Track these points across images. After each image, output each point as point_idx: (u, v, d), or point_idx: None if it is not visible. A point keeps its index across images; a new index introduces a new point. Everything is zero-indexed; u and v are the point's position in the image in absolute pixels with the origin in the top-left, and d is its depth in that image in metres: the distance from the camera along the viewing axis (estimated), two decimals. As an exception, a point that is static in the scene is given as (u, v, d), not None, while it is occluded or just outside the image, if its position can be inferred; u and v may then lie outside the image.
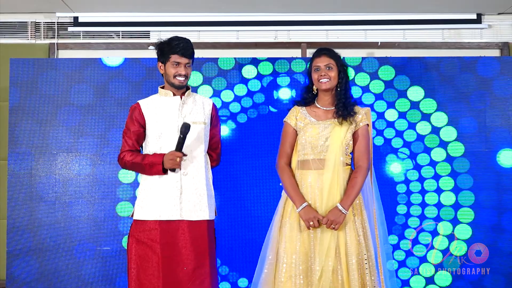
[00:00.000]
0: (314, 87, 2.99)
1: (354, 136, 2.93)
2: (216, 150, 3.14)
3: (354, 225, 2.84)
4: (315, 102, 3.01)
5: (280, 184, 2.97)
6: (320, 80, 2.91)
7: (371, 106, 4.08)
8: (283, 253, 2.83)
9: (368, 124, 2.95)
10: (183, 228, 2.88)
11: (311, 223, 2.77)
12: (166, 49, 2.93)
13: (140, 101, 3.03)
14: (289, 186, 2.88)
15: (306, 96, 3.02)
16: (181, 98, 2.99)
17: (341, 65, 2.95)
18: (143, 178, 2.98)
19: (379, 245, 2.90)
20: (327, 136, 2.88)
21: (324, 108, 2.97)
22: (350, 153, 2.94)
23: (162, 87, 3.04)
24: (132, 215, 2.96)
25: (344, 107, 2.90)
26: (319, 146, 2.88)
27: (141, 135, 2.98)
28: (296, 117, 2.98)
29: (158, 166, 2.85)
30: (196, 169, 2.93)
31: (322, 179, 2.85)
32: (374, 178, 3.02)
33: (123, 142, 2.98)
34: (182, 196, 2.89)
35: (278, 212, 2.96)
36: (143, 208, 2.90)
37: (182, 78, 2.93)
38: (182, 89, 3.00)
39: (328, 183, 2.83)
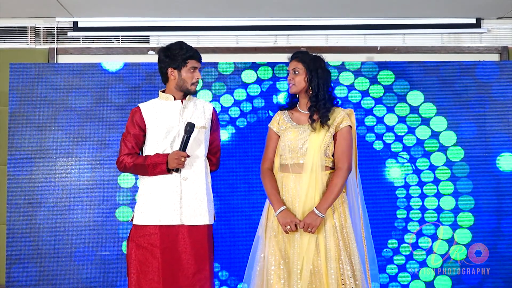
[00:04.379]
0: None
1: (334, 138, 2.90)
2: (216, 154, 3.12)
3: (335, 230, 2.81)
4: (297, 105, 3.03)
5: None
6: (288, 84, 2.97)
7: (371, 110, 4.08)
8: (269, 256, 2.85)
9: (350, 126, 2.92)
10: (183, 232, 2.87)
11: (288, 227, 2.78)
12: (179, 54, 2.88)
13: (140, 105, 3.01)
14: (269, 190, 2.91)
15: (290, 100, 3.05)
16: (181, 102, 2.98)
17: (314, 69, 2.90)
18: (142, 183, 2.96)
19: (366, 248, 2.90)
20: (305, 140, 2.88)
21: (303, 112, 2.98)
22: (332, 155, 2.91)
23: (163, 91, 3.02)
24: (132, 220, 2.95)
25: (317, 110, 2.88)
26: (298, 150, 2.88)
27: (141, 139, 2.96)
28: (279, 122, 3.01)
29: (162, 166, 2.82)
30: (196, 174, 2.92)
31: (300, 182, 2.85)
32: (359, 180, 3.01)
33: (122, 146, 2.94)
34: (182, 201, 2.88)
35: (264, 215, 2.98)
36: (143, 213, 2.89)
37: (197, 84, 2.95)
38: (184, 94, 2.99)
39: (305, 186, 2.83)
